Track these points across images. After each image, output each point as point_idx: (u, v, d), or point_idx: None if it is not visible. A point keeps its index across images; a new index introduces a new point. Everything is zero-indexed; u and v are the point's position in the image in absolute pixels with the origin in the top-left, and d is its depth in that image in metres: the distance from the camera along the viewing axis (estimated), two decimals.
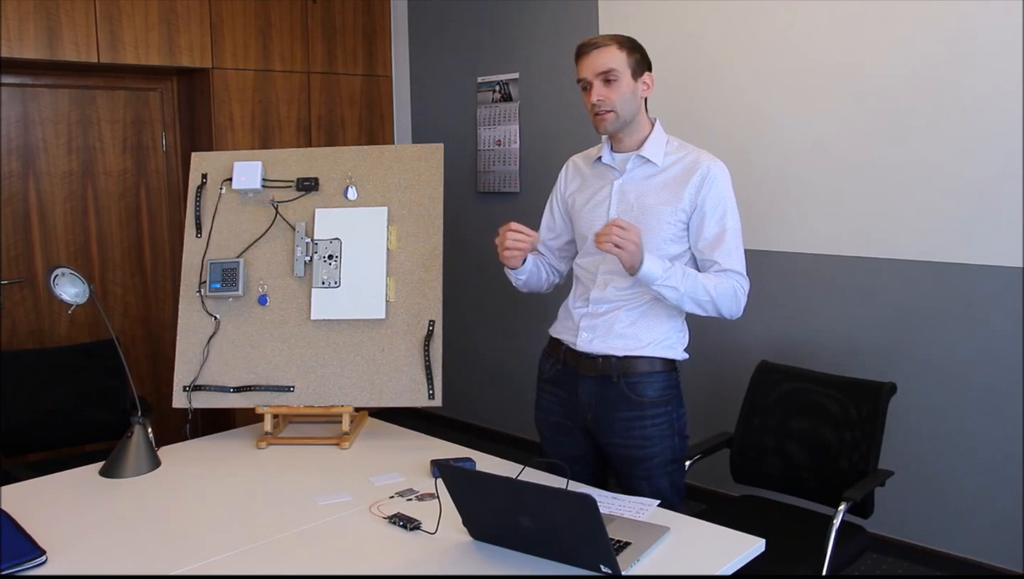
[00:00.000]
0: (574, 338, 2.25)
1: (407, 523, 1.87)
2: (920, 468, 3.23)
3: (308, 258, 2.56)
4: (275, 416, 2.51)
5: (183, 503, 2.05)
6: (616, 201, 2.22)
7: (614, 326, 2.19)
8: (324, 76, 4.65)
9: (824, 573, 2.30)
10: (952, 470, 3.18)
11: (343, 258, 2.55)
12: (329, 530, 1.88)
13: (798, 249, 3.50)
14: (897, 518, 3.29)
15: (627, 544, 1.74)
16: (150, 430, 2.29)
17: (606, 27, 3.93)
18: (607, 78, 2.13)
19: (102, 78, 4.11)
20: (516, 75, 4.41)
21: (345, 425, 2.47)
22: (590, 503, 1.54)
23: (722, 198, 2.16)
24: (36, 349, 3.76)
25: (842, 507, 2.34)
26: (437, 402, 2.47)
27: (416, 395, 2.48)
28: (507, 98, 4.46)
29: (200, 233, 2.62)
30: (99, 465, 2.26)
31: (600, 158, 2.28)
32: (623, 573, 1.63)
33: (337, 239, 2.57)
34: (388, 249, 2.56)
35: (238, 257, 2.58)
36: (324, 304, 2.53)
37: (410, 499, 2.03)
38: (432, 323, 2.51)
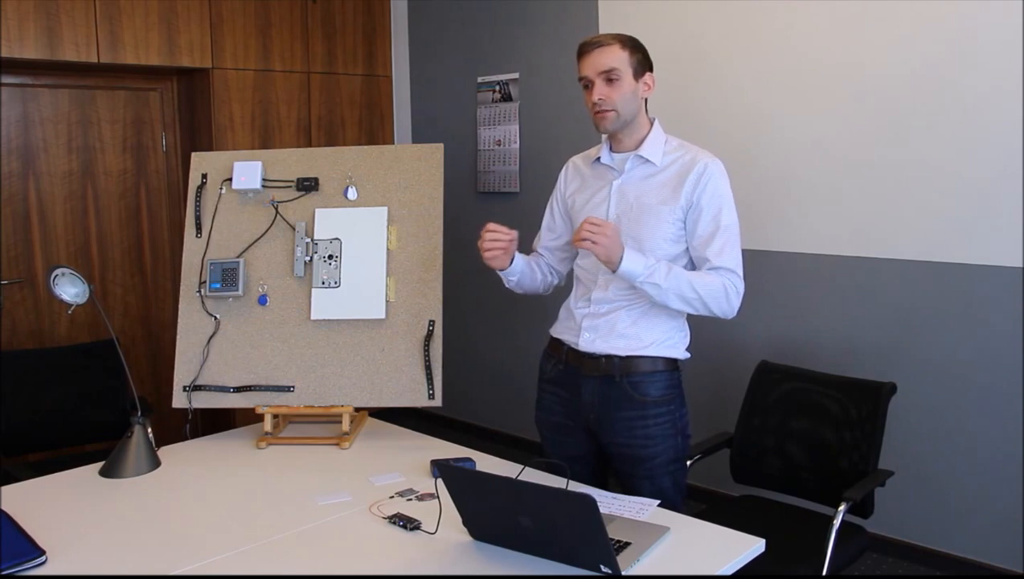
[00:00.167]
0: (576, 338, 2.25)
1: (407, 523, 1.87)
2: (920, 468, 3.23)
3: (308, 258, 2.56)
4: (275, 416, 2.51)
5: (183, 503, 2.05)
6: (615, 201, 2.22)
7: (616, 326, 2.19)
8: (324, 76, 4.65)
9: (824, 573, 2.30)
10: (952, 470, 3.18)
11: (343, 258, 2.55)
12: (329, 530, 1.88)
13: (798, 249, 3.50)
14: (897, 518, 3.29)
15: (627, 544, 1.74)
16: (150, 430, 2.29)
17: (606, 27, 3.93)
18: (609, 77, 2.14)
19: (102, 78, 4.11)
20: (516, 75, 4.41)
21: (345, 425, 2.47)
22: (590, 503, 1.54)
23: (718, 196, 2.15)
24: (36, 349, 3.76)
25: (842, 507, 2.34)
26: (437, 402, 2.47)
27: (416, 395, 2.48)
28: (507, 98, 4.46)
29: (200, 233, 2.62)
30: (99, 465, 2.26)
31: (599, 158, 2.28)
32: (623, 573, 1.63)
33: (337, 239, 2.57)
34: (388, 249, 2.56)
35: (238, 257, 2.58)
36: (324, 304, 2.53)
37: (410, 499, 2.03)
38: (432, 323, 2.51)
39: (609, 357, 2.20)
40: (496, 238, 2.20)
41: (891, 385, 2.58)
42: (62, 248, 4.06)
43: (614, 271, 2.08)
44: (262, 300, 2.56)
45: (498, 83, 4.50)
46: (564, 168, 2.44)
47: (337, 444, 2.43)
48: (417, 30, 4.90)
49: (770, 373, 2.81)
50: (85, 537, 1.85)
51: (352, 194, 2.61)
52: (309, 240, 2.56)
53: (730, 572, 1.73)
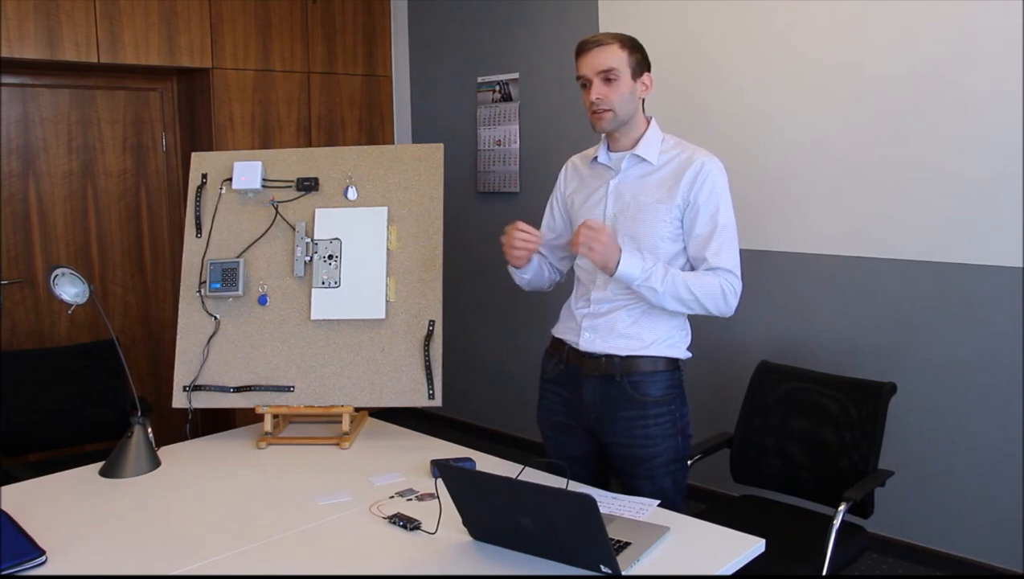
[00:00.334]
0: (576, 338, 2.25)
1: (407, 523, 1.87)
2: (920, 468, 3.23)
3: (308, 258, 2.56)
4: (275, 416, 2.51)
5: (183, 503, 2.05)
6: (612, 201, 2.22)
7: (616, 326, 2.20)
8: (324, 76, 4.65)
9: (824, 573, 2.30)
10: (952, 470, 3.18)
11: (343, 258, 2.55)
12: (329, 530, 1.88)
13: (798, 249, 3.50)
14: (897, 518, 3.29)
15: (627, 544, 1.74)
16: (150, 430, 2.29)
17: (606, 27, 3.93)
18: (607, 77, 2.13)
19: (102, 78, 4.11)
20: (516, 75, 4.41)
21: (345, 425, 2.47)
22: (590, 503, 1.54)
23: (715, 195, 2.15)
24: (36, 349, 3.76)
25: (842, 507, 2.34)
26: (437, 402, 2.47)
27: (416, 395, 2.48)
28: (507, 98, 4.46)
29: (200, 233, 2.62)
30: (99, 465, 2.26)
31: (597, 158, 2.28)
32: (623, 573, 1.63)
33: (337, 239, 2.57)
34: (388, 249, 2.56)
35: (238, 257, 2.58)
36: (324, 304, 2.53)
37: (410, 499, 2.03)
38: (432, 323, 2.51)
39: (610, 357, 2.20)
40: (527, 239, 2.19)
41: (891, 385, 2.58)
42: (62, 248, 4.06)
43: (611, 275, 2.09)
44: (262, 300, 2.56)
45: (498, 83, 4.50)
46: (564, 168, 2.44)
47: (337, 444, 2.43)
48: (417, 30, 4.90)
49: (770, 373, 2.81)
50: (85, 537, 1.85)
51: (352, 194, 2.61)
52: (309, 240, 2.56)
53: (730, 572, 1.73)
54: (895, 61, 3.17)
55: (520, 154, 4.44)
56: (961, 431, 3.15)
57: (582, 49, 2.17)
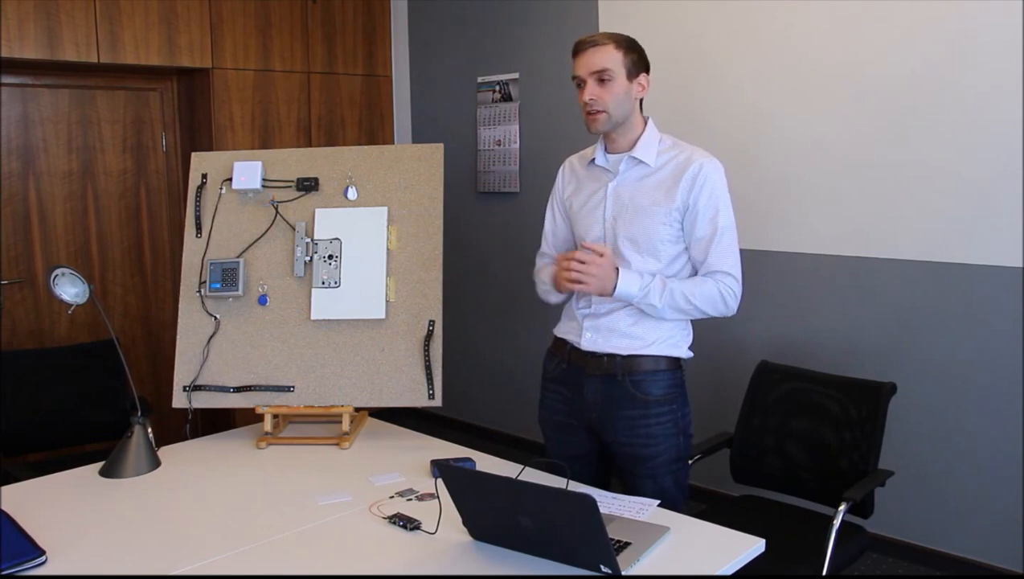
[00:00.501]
0: (578, 338, 2.25)
1: (407, 523, 1.87)
2: (920, 468, 3.23)
3: (308, 258, 2.56)
4: (275, 416, 2.51)
5: (183, 503, 2.05)
6: (611, 203, 2.22)
7: (617, 326, 2.20)
8: (324, 76, 4.65)
9: (824, 573, 2.30)
10: (952, 470, 3.18)
11: (343, 258, 2.55)
12: (329, 530, 1.88)
13: (798, 249, 3.50)
14: (897, 518, 3.29)
15: (627, 544, 1.74)
16: (150, 430, 2.29)
17: (606, 27, 3.92)
18: (601, 77, 2.13)
19: (102, 78, 4.11)
20: (516, 75, 4.41)
21: (345, 425, 2.47)
22: (590, 503, 1.54)
23: (715, 197, 2.15)
24: (36, 349, 3.76)
25: (842, 507, 2.34)
26: (437, 402, 2.47)
27: (416, 395, 2.48)
28: (507, 98, 4.46)
29: (200, 233, 2.62)
30: (99, 465, 2.26)
31: (594, 160, 2.27)
32: (623, 573, 1.63)
33: (337, 239, 2.56)
34: (388, 249, 2.56)
35: (238, 257, 2.58)
36: (324, 304, 2.53)
37: (410, 499, 2.03)
38: (432, 323, 2.51)
39: (611, 356, 2.20)
40: (588, 272, 2.10)
41: (891, 385, 2.58)
42: (62, 248, 4.06)
43: (610, 296, 2.11)
44: (262, 300, 2.56)
45: (498, 83, 4.50)
46: (561, 168, 2.43)
47: (337, 444, 2.43)
48: (417, 30, 4.90)
49: (770, 373, 2.81)
50: (85, 537, 1.85)
51: (352, 194, 2.61)
52: (309, 240, 2.56)
53: (730, 572, 1.73)
54: (895, 61, 3.17)
55: (520, 154, 4.44)
56: (961, 431, 3.15)
57: (578, 49, 2.17)
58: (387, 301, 2.53)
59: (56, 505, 2.03)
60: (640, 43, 2.20)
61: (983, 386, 3.08)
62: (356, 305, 2.52)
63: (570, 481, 1.90)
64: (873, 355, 3.29)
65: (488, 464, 2.22)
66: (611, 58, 2.13)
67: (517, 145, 4.45)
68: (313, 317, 2.53)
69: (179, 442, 2.50)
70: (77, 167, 4.09)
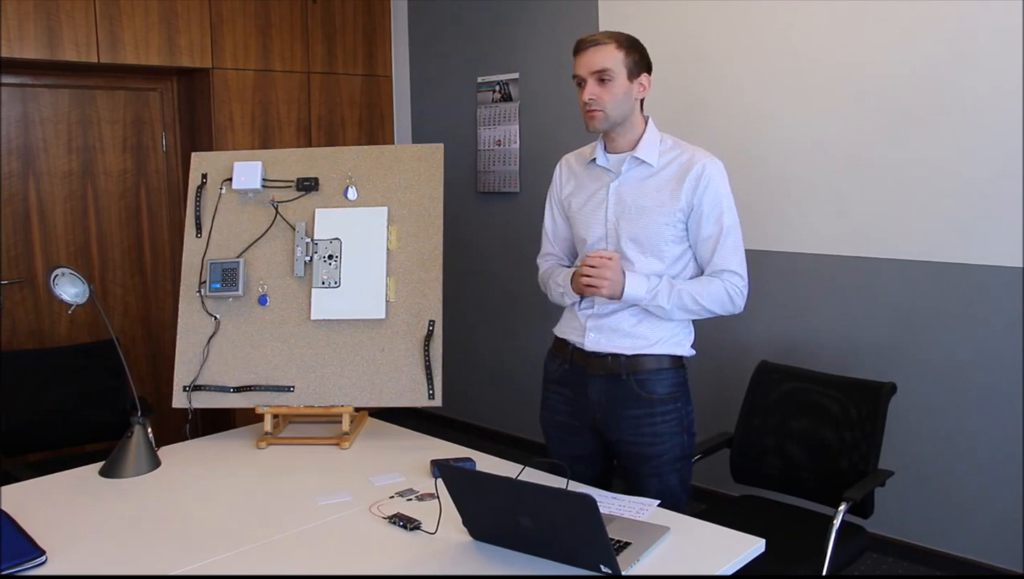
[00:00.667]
0: (581, 338, 2.25)
1: (407, 523, 1.87)
2: (920, 468, 3.23)
3: (308, 258, 2.56)
4: (275, 416, 2.51)
5: (183, 503, 2.05)
6: (613, 204, 2.21)
7: (620, 326, 2.20)
8: (324, 76, 4.65)
9: (824, 573, 2.30)
10: (952, 470, 3.18)
11: (343, 258, 2.55)
12: (329, 530, 1.88)
13: (798, 249, 3.50)
14: (897, 518, 3.29)
15: (627, 544, 1.74)
16: (150, 430, 2.29)
17: (606, 26, 3.92)
18: (601, 77, 2.12)
19: (102, 78, 4.11)
20: (516, 75, 4.41)
21: (345, 425, 2.46)
22: (590, 503, 1.54)
23: (719, 197, 2.16)
24: (36, 349, 3.76)
25: (842, 507, 2.34)
26: (437, 402, 2.47)
27: (416, 395, 2.48)
28: (507, 98, 4.46)
29: (200, 233, 2.62)
30: (99, 465, 2.26)
31: (595, 160, 2.26)
32: (623, 573, 1.63)
33: (337, 239, 2.57)
34: (388, 249, 2.56)
35: (238, 257, 2.58)
36: (324, 304, 2.53)
37: (410, 499, 2.03)
38: (432, 323, 2.51)
39: (615, 356, 2.20)
40: (603, 275, 2.11)
41: (891, 385, 2.58)
42: (62, 248, 4.06)
43: (618, 300, 2.11)
44: (262, 300, 2.56)
45: (498, 83, 4.50)
46: (558, 167, 2.41)
47: (337, 444, 2.43)
48: (417, 30, 4.90)
49: (770, 373, 2.81)
50: (85, 537, 1.85)
51: (352, 194, 2.61)
52: (309, 240, 2.56)
53: (730, 572, 1.73)
54: (895, 61, 3.17)
55: (520, 154, 4.44)
56: (961, 431, 3.15)
57: (579, 48, 2.16)
58: (387, 301, 2.53)
59: (56, 505, 2.03)
60: (641, 43, 2.20)
61: (983, 386, 3.08)
62: (356, 305, 2.52)
63: (570, 481, 1.90)
64: (873, 355, 3.29)
65: (488, 464, 2.22)
66: (612, 58, 2.12)
67: (517, 145, 4.45)
68: (313, 317, 2.53)
69: (179, 442, 2.50)
70: (77, 167, 4.09)
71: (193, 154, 2.73)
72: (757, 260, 3.52)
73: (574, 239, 2.35)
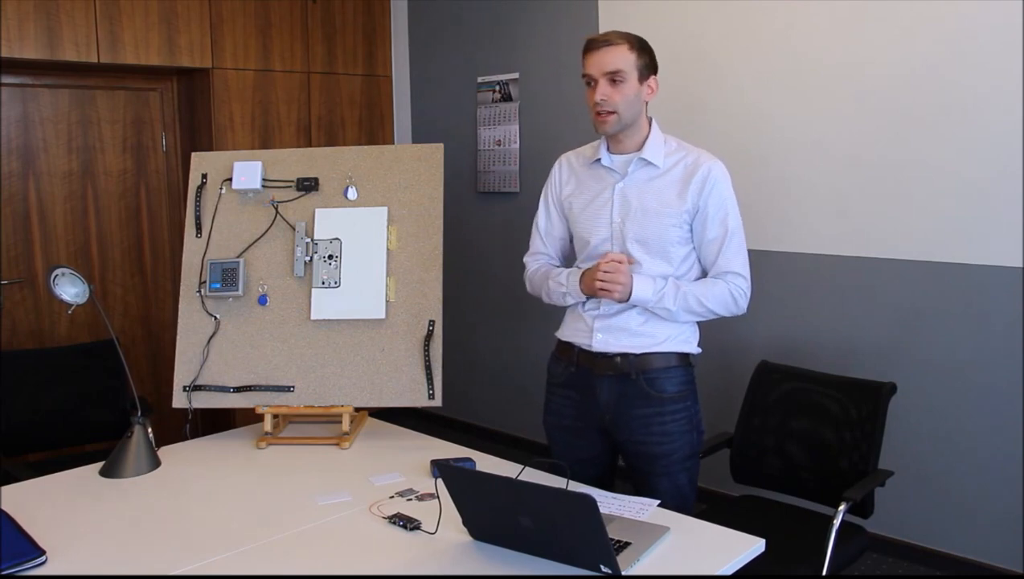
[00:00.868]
0: (588, 340, 2.24)
1: (407, 523, 1.87)
2: (920, 468, 3.23)
3: (308, 258, 2.56)
4: (275, 416, 2.51)
5: (183, 503, 2.05)
6: (618, 205, 2.21)
7: (628, 325, 2.20)
8: (324, 76, 4.65)
9: (824, 573, 2.30)
10: (952, 470, 3.18)
11: (343, 258, 2.55)
12: (329, 530, 1.88)
13: (798, 249, 3.50)
14: (897, 518, 3.29)
15: (627, 544, 1.74)
16: (150, 430, 2.29)
17: (606, 27, 3.92)
18: (614, 78, 2.11)
19: (102, 78, 4.11)
20: (516, 75, 4.41)
21: (345, 425, 2.46)
22: (590, 503, 1.54)
23: (723, 200, 2.17)
24: (36, 349, 3.76)
25: (842, 507, 2.34)
26: (437, 402, 2.47)
27: (416, 395, 2.48)
28: (507, 98, 4.46)
29: (200, 233, 2.62)
30: (99, 465, 2.26)
31: (599, 160, 2.25)
32: (623, 573, 1.63)
33: (337, 239, 2.57)
34: (388, 249, 2.56)
35: (238, 257, 2.58)
36: (324, 304, 2.53)
37: (410, 499, 2.03)
38: (432, 323, 2.51)
39: (624, 355, 2.19)
40: (616, 279, 2.12)
41: (891, 385, 2.58)
42: (62, 248, 4.06)
43: (626, 302, 2.12)
44: (262, 300, 2.56)
45: (498, 83, 4.50)
46: (556, 166, 2.40)
47: (337, 444, 2.43)
48: (417, 30, 4.90)
49: (770, 373, 2.81)
50: (85, 537, 1.85)
51: (352, 194, 2.61)
52: (309, 240, 2.56)
53: (730, 572, 1.73)
54: (895, 61, 3.17)
55: (520, 154, 4.44)
56: (961, 431, 3.15)
57: (590, 47, 2.14)
58: (387, 301, 2.53)
59: (56, 505, 2.03)
60: (650, 46, 2.19)
61: (983, 386, 3.08)
62: (356, 305, 2.52)
63: (570, 481, 1.90)
64: (873, 355, 3.29)
65: (488, 464, 2.22)
66: (624, 59, 2.11)
67: (517, 145, 4.45)
68: (313, 317, 2.53)
69: (179, 442, 2.50)
70: (77, 167, 4.09)
71: (193, 154, 2.73)
72: (757, 260, 3.49)
73: (575, 240, 2.34)
